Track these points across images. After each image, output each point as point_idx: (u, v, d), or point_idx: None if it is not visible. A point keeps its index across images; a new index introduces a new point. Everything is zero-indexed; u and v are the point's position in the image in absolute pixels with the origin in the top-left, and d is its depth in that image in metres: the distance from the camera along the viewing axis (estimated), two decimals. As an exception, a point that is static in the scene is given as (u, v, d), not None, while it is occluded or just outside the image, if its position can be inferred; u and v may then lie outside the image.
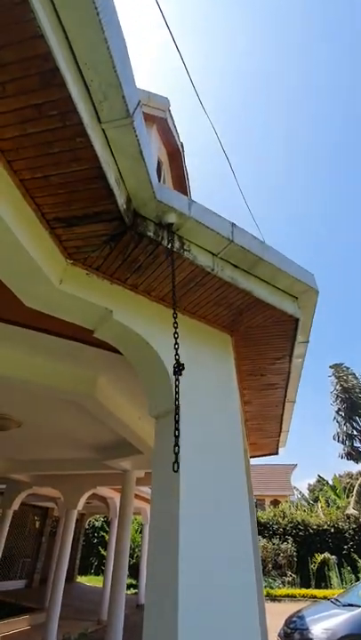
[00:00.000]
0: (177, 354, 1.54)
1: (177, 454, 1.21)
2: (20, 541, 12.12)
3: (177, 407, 1.29)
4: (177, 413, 1.37)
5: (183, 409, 1.98)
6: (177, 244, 1.89)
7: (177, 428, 1.36)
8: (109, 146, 1.52)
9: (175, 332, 1.63)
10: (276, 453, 6.05)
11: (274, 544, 15.61)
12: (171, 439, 1.92)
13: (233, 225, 2.00)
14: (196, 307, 2.31)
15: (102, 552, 16.22)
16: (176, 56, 3.29)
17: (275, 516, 17.14)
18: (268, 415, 4.25)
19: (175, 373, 1.42)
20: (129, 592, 11.03)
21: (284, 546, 15.36)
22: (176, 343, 1.60)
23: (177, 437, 1.30)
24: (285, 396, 3.75)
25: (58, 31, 1.17)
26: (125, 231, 1.79)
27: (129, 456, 5.60)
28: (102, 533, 17.30)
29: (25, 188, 1.61)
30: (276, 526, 16.46)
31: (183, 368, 1.47)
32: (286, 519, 16.68)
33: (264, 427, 4.67)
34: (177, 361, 1.47)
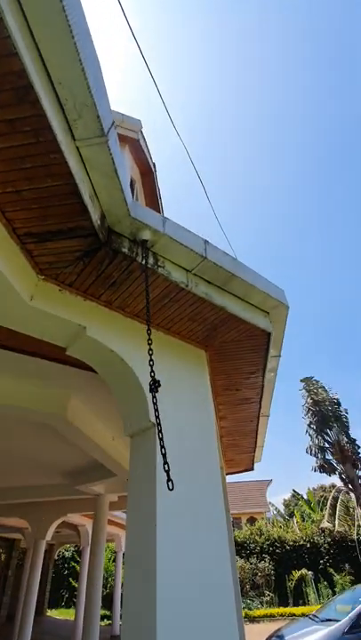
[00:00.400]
0: (152, 370, 1.53)
1: (168, 471, 1.18)
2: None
3: (159, 424, 1.26)
4: (160, 431, 1.35)
5: (161, 425, 1.95)
6: (151, 261, 1.91)
7: (162, 446, 1.34)
8: (83, 163, 1.53)
9: (149, 349, 1.61)
10: (252, 469, 6.05)
11: (251, 564, 15.36)
12: (147, 457, 1.88)
13: (206, 242, 2.05)
14: (170, 322, 2.31)
15: (73, 583, 15.27)
16: (146, 67, 3.40)
17: (251, 534, 16.95)
18: (243, 430, 4.26)
19: (151, 390, 1.40)
20: (103, 623, 10.37)
21: (261, 565, 15.14)
22: (151, 360, 1.58)
23: (164, 456, 1.27)
24: (260, 411, 3.79)
25: (32, 50, 1.18)
26: (100, 247, 1.79)
27: (102, 479, 5.39)
28: (73, 564, 16.32)
29: (-5, 203, 1.57)
30: (253, 545, 16.24)
31: (159, 385, 1.46)
32: (263, 537, 16.53)
33: (240, 442, 4.67)
34: (152, 378, 1.45)
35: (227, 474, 5.91)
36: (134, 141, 6.45)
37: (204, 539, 1.82)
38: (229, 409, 3.62)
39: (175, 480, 1.85)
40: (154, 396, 1.33)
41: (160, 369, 2.18)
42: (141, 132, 6.57)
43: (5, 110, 1.28)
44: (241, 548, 16.12)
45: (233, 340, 2.53)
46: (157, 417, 1.27)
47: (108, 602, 12.38)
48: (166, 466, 1.20)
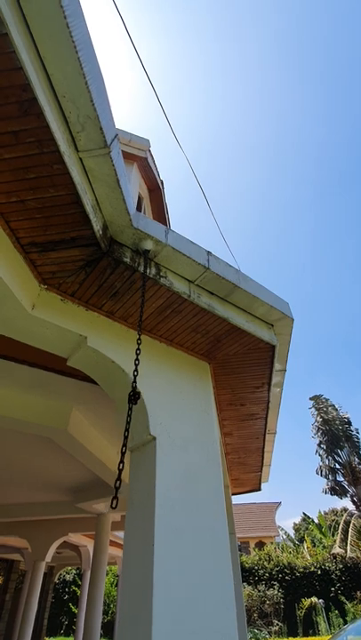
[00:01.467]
0: (135, 381, 1.50)
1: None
2: (-20, 601, 10.79)
3: (127, 430, 1.22)
4: (127, 429, 1.31)
5: (160, 439, 1.90)
6: (153, 271, 1.90)
7: (127, 429, 1.30)
8: (86, 174, 1.55)
9: (136, 359, 1.59)
10: (259, 489, 5.85)
11: (259, 591, 14.67)
12: (147, 473, 1.82)
13: (209, 253, 2.04)
14: (173, 334, 2.29)
15: (73, 609, 14.71)
16: (156, 88, 3.51)
17: (260, 559, 16.27)
18: (249, 447, 4.14)
19: (130, 402, 1.36)
20: (102, 656, 9.89)
21: (270, 592, 14.45)
22: (135, 370, 1.55)
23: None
24: (266, 427, 3.69)
25: (37, 64, 1.21)
26: (102, 257, 1.79)
27: (104, 497, 5.26)
28: (74, 588, 15.78)
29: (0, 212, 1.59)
30: (261, 571, 15.56)
31: (139, 397, 1.43)
32: (272, 562, 15.84)
33: (246, 460, 4.54)
34: (133, 388, 1.42)
35: (232, 494, 5.73)
36: (142, 160, 6.62)
37: (205, 562, 1.73)
38: (234, 425, 3.53)
39: (176, 497, 1.78)
40: (130, 408, 1.30)
41: (162, 381, 2.15)
42: (149, 150, 6.75)
43: (10, 122, 1.31)
44: (249, 574, 15.46)
45: (237, 353, 2.49)
46: (127, 429, 1.23)
47: (109, 629, 11.86)
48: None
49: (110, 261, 1.81)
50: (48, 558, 7.17)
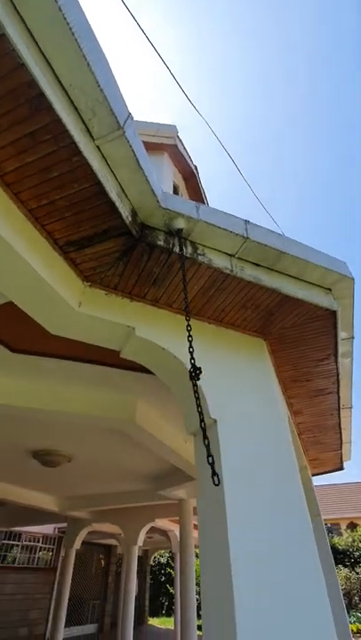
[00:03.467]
0: (192, 357, 1.44)
1: (212, 464, 1.08)
2: (88, 582, 11.94)
3: (200, 413, 1.16)
4: (202, 420, 1.26)
5: (223, 422, 1.84)
6: (190, 250, 1.83)
7: (206, 437, 1.24)
8: (106, 162, 1.53)
9: (189, 335, 1.53)
10: (342, 468, 5.51)
11: (358, 573, 13.99)
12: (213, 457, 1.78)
13: (246, 222, 1.91)
14: (221, 313, 2.20)
15: (171, 590, 15.51)
16: (188, 86, 3.39)
17: (354, 541, 15.49)
18: (323, 425, 3.89)
19: (192, 378, 1.31)
20: (201, 633, 10.30)
21: (369, 575, 13.71)
22: (190, 346, 1.50)
23: (208, 447, 1.18)
24: (339, 402, 3.42)
25: (38, 57, 1.21)
26: (136, 244, 1.77)
27: (182, 484, 5.39)
28: (169, 570, 16.64)
29: (34, 217, 1.65)
30: (357, 553, 14.82)
31: (200, 372, 1.36)
32: (368, 543, 15.00)
33: (322, 439, 4.28)
34: (192, 365, 1.37)
35: (313, 475, 5.47)
36: (172, 147, 6.52)
37: (285, 547, 1.64)
38: (303, 402, 3.33)
39: (245, 481, 1.72)
40: (194, 384, 1.24)
41: (216, 363, 2.08)
42: (178, 136, 6.61)
43: (25, 124, 1.33)
44: (344, 557, 14.83)
45: (294, 325, 2.31)
46: (199, 405, 1.17)
47: (207, 609, 12.28)
48: (210, 458, 1.10)
49: (145, 247, 1.78)
50: (140, 542, 7.62)
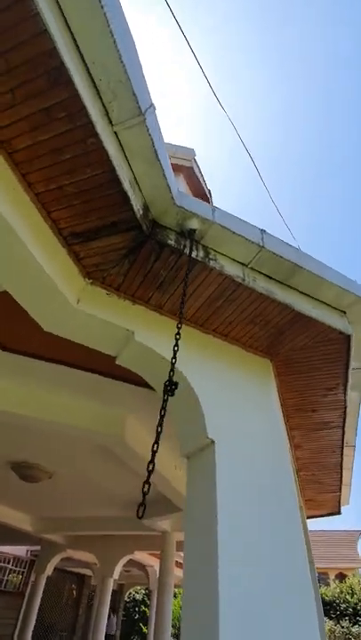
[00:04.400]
0: (173, 367, 1.29)
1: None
2: (57, 612, 11.07)
3: (160, 425, 1.00)
4: (160, 424, 1.10)
5: (221, 444, 1.66)
6: (201, 254, 1.72)
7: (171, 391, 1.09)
8: (123, 150, 1.44)
9: (176, 344, 1.39)
10: (338, 513, 5.16)
11: (343, 627, 12.96)
12: (206, 482, 1.58)
13: (263, 231, 1.81)
14: (228, 327, 2.06)
15: (144, 629, 14.40)
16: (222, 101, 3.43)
17: (341, 592, 14.48)
18: (324, 463, 3.65)
19: (165, 393, 1.16)
20: None
21: (355, 629, 12.69)
22: (174, 357, 1.35)
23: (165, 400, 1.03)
24: (343, 439, 3.20)
25: (62, 26, 1.14)
26: (145, 242, 1.66)
27: (168, 514, 5.04)
28: (144, 608, 15.52)
29: (40, 203, 1.55)
30: (343, 605, 13.80)
31: (176, 387, 1.22)
32: (356, 596, 13.99)
33: (321, 478, 4.01)
34: (170, 376, 1.22)
35: (308, 517, 5.12)
36: (189, 169, 6.63)
37: (282, 595, 1.41)
38: (305, 436, 3.12)
39: (242, 512, 1.51)
40: (165, 400, 1.10)
41: (218, 380, 1.92)
42: (195, 159, 6.74)
43: (41, 98, 1.25)
44: (330, 608, 13.81)
45: (304, 347, 2.16)
46: (160, 425, 1.01)
47: (180, 657, 11.33)
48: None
49: (154, 245, 1.67)
50: (116, 575, 7.09)
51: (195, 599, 1.38)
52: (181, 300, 1.54)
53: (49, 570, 7.59)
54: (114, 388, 2.79)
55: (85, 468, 4.29)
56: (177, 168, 6.46)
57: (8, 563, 9.73)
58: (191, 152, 6.66)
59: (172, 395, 1.18)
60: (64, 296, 1.68)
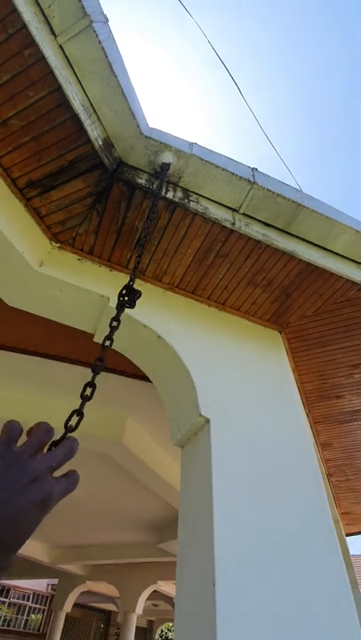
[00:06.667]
0: (132, 279, 0.97)
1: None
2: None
3: (109, 338, 0.67)
4: (109, 336, 0.78)
5: (216, 421, 1.32)
6: (179, 194, 1.44)
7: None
8: (71, 66, 1.22)
9: (136, 264, 1.08)
10: (382, 528, 4.51)
11: None
12: (201, 474, 1.23)
13: (254, 169, 1.52)
14: (224, 292, 1.75)
15: None
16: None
17: None
18: (359, 465, 3.16)
19: (123, 305, 0.84)
20: None
21: None
22: (136, 265, 1.05)
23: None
24: (378, 434, 2.74)
25: None
26: (111, 185, 1.41)
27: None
28: (177, 649, 14.31)
29: (-15, 146, 1.34)
30: None
31: (139, 295, 0.90)
32: None
33: (357, 484, 3.49)
34: (128, 285, 0.90)
35: (347, 535, 4.49)
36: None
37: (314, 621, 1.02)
38: (332, 430, 2.68)
39: (246, 509, 1.15)
40: (117, 317, 0.78)
41: (214, 351, 1.60)
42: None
43: None
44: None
45: (318, 312, 1.82)
46: (109, 338, 0.68)
47: None
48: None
49: (122, 188, 1.41)
50: (139, 610, 6.48)
51: (189, 623, 1.01)
52: (144, 228, 1.25)
53: (68, 606, 7.04)
54: (108, 383, 2.49)
55: (91, 483, 3.92)
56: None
57: (28, 600, 9.21)
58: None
59: (132, 306, 0.86)
60: (22, 257, 1.43)
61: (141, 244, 1.09)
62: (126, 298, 0.85)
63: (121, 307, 0.81)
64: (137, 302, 1.52)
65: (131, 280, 0.92)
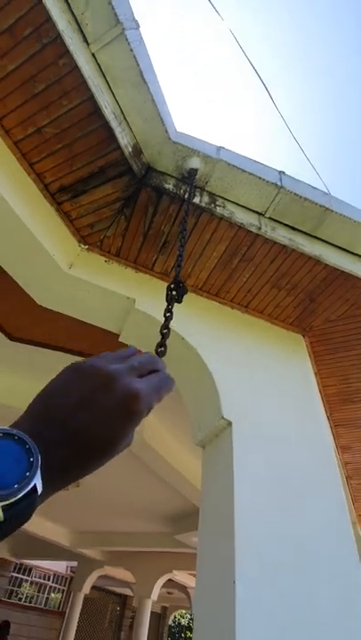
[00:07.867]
0: (177, 275, 0.97)
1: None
2: (98, 634, 10.73)
3: (166, 327, 0.69)
4: (166, 326, 0.80)
5: (238, 425, 1.34)
6: (206, 199, 1.45)
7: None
8: (103, 75, 1.24)
9: (179, 257, 1.09)
10: None
11: None
12: (223, 475, 1.26)
13: (281, 172, 1.51)
14: (248, 295, 1.76)
15: (190, 660, 13.54)
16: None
17: None
18: (379, 469, 3.11)
19: (170, 300, 0.85)
20: None
21: None
22: (180, 255, 1.05)
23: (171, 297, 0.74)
24: None
25: None
26: (139, 190, 1.43)
27: (203, 529, 4.61)
28: (189, 634, 14.69)
29: (20, 152, 1.39)
30: None
31: (186, 292, 0.92)
32: None
33: (377, 488, 3.43)
34: (175, 279, 0.91)
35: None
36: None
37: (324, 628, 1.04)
38: (353, 433, 2.65)
39: (267, 511, 1.17)
40: (169, 309, 0.79)
41: (237, 354, 1.61)
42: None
43: (2, 14, 1.09)
44: None
45: (343, 317, 1.79)
46: (166, 327, 0.70)
47: None
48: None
49: (150, 193, 1.43)
50: (154, 597, 6.67)
51: (208, 624, 1.05)
52: (181, 239, 1.27)
53: (86, 588, 7.33)
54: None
55: (111, 476, 4.04)
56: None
57: (48, 579, 9.63)
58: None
59: (180, 301, 0.89)
60: (53, 260, 1.49)
61: (183, 243, 1.10)
62: (174, 292, 0.88)
63: (170, 300, 0.83)
64: (161, 301, 1.56)
65: (177, 276, 0.94)
